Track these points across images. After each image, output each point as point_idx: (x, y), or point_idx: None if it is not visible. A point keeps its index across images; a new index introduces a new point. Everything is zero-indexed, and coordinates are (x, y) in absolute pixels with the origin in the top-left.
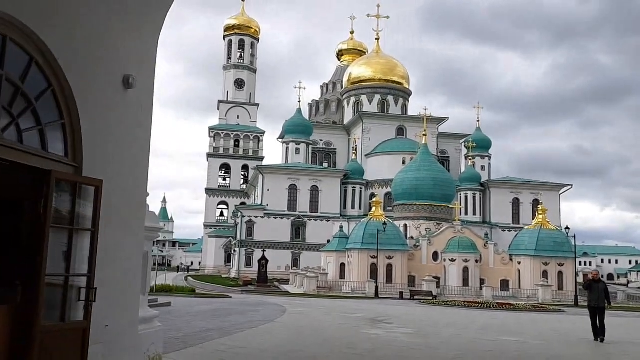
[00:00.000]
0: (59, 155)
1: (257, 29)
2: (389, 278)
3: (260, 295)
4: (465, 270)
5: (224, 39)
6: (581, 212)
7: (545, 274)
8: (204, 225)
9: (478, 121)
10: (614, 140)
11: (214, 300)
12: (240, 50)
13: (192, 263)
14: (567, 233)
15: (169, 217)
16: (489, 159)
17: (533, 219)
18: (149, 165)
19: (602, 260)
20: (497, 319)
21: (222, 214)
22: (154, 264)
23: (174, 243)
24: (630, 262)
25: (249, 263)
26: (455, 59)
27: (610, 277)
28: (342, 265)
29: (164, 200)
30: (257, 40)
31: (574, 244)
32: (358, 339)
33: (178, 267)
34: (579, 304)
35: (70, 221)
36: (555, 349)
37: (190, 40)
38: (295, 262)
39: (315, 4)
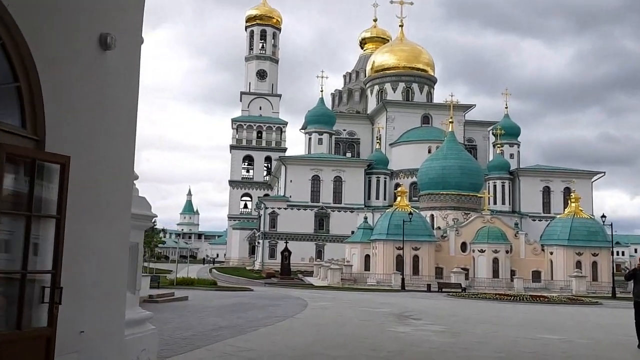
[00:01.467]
0: (12, 125)
1: (279, 19)
2: (416, 270)
3: (283, 287)
4: (495, 261)
5: (245, 29)
6: (611, 201)
7: (578, 265)
8: (228, 217)
9: (506, 107)
10: None
11: (234, 294)
12: (262, 41)
13: (217, 255)
14: (604, 221)
15: (194, 210)
16: (518, 147)
17: (564, 208)
18: (135, 140)
19: (636, 250)
20: (533, 313)
21: (245, 206)
22: (179, 256)
23: (199, 235)
24: None
25: (272, 255)
26: (478, 48)
27: None
28: (367, 256)
29: (189, 193)
30: (279, 30)
31: (610, 233)
32: (383, 338)
33: (203, 259)
34: (617, 295)
35: (28, 206)
36: (605, 351)
37: (213, 35)
38: (319, 254)
39: None
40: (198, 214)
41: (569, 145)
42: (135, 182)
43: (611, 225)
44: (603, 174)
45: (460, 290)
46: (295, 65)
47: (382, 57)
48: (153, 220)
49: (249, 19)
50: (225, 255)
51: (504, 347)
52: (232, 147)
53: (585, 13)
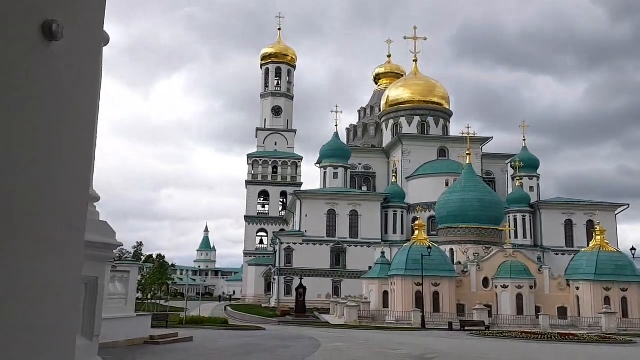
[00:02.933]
0: None
1: (294, 57)
2: (436, 307)
3: (298, 326)
4: (519, 297)
5: (261, 67)
6: (632, 235)
7: (607, 300)
8: (244, 253)
9: (524, 140)
10: None
11: (244, 334)
12: (277, 78)
13: (234, 292)
14: (634, 254)
15: (211, 246)
16: (538, 180)
17: (588, 241)
18: (93, 153)
19: None
20: (564, 355)
21: (261, 242)
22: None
23: (216, 272)
24: None
25: (288, 292)
26: (491, 84)
27: None
28: (385, 293)
29: (206, 230)
30: (294, 67)
31: None
32: None
33: (219, 296)
34: None
35: None
36: None
37: (229, 76)
38: (336, 290)
39: (350, 37)
40: (215, 250)
41: (587, 179)
42: (95, 204)
43: None
44: (627, 206)
45: (483, 328)
46: (310, 102)
47: (397, 92)
48: (117, 250)
49: (265, 57)
50: (241, 292)
51: None
52: (247, 183)
53: (596, 48)
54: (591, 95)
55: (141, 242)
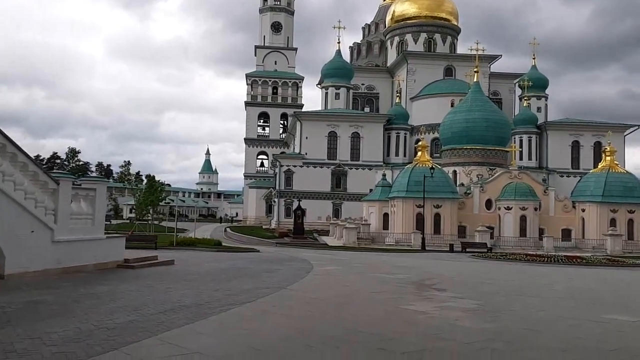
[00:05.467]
0: None
1: None
2: (437, 229)
3: (295, 247)
4: (523, 219)
5: None
6: (634, 158)
7: (613, 222)
8: (244, 176)
9: (534, 58)
10: None
11: (235, 256)
12: None
13: (236, 214)
14: None
15: (213, 169)
16: (546, 100)
17: (594, 163)
18: None
19: None
20: (576, 279)
21: (262, 165)
22: (198, 215)
23: (218, 195)
24: None
25: (288, 214)
26: (496, 6)
27: None
28: (385, 215)
29: (208, 153)
30: None
31: None
32: (397, 324)
33: (221, 218)
34: None
35: None
36: None
37: None
38: (336, 213)
39: None
40: (217, 173)
41: (591, 102)
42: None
43: None
44: (637, 127)
45: (485, 250)
46: (311, 22)
47: (403, 6)
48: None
49: None
50: (242, 214)
51: (565, 338)
52: (247, 104)
53: None
54: (596, 18)
55: (129, 162)
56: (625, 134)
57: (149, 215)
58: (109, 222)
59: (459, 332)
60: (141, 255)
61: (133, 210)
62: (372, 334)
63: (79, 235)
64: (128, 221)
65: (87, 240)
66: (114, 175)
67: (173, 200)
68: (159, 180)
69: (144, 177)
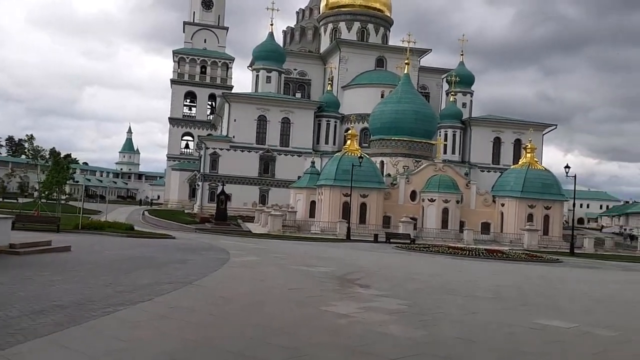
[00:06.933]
0: None
1: None
2: (363, 218)
3: (215, 234)
4: (445, 211)
5: None
6: (546, 157)
7: (530, 217)
8: (167, 157)
9: (462, 54)
10: (574, 88)
11: (144, 242)
12: None
13: (158, 197)
14: (567, 173)
15: (135, 149)
16: (471, 96)
17: (514, 159)
18: None
19: (573, 205)
20: (501, 275)
21: (187, 146)
22: (117, 197)
23: (140, 176)
24: (601, 207)
25: (212, 198)
26: (423, 4)
27: (580, 221)
28: (313, 203)
29: (130, 131)
30: None
31: (573, 185)
32: (314, 330)
33: (141, 200)
34: (575, 252)
35: None
36: None
37: None
38: (263, 199)
39: None
40: (139, 153)
41: (510, 102)
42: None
43: (575, 177)
44: (555, 126)
45: (409, 241)
46: (245, 1)
47: None
48: None
49: None
50: (164, 197)
51: (504, 351)
52: (173, 82)
53: None
54: (517, 22)
55: (32, 135)
56: (543, 132)
57: (56, 194)
58: (15, 201)
59: (385, 342)
60: (29, 241)
61: (36, 190)
62: (283, 348)
63: None
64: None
65: None
66: (25, 151)
67: (79, 181)
68: (68, 157)
69: (49, 154)
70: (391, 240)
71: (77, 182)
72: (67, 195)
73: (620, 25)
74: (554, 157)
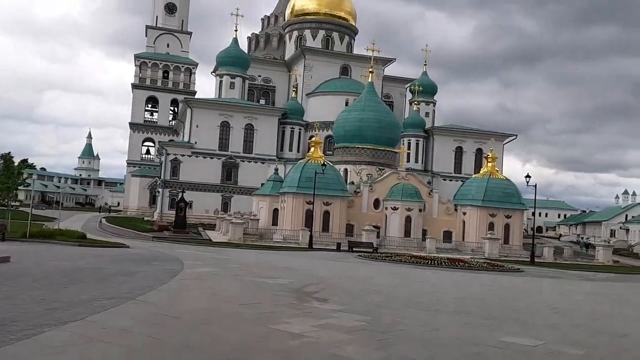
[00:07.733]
0: None
1: None
2: (326, 226)
3: (173, 243)
4: (408, 219)
5: None
6: (506, 167)
7: (491, 226)
8: (127, 163)
9: (425, 64)
10: (532, 100)
11: (97, 252)
12: None
13: (118, 204)
14: (527, 182)
15: (95, 154)
16: (434, 106)
17: (475, 169)
18: None
19: (533, 214)
20: (463, 286)
21: (148, 152)
22: (75, 203)
23: (99, 182)
24: (559, 216)
25: (173, 205)
26: (388, 16)
27: (539, 229)
28: (276, 210)
29: (89, 136)
30: None
31: (534, 195)
32: (261, 352)
33: (100, 207)
34: (535, 261)
35: None
36: None
37: None
38: (226, 206)
39: None
40: (98, 159)
41: (470, 113)
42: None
43: (535, 186)
44: (515, 136)
45: (372, 250)
46: (209, 7)
47: (303, 1)
48: None
49: None
50: (123, 204)
51: None
52: (134, 87)
53: None
54: (478, 35)
55: None
56: (504, 142)
57: (6, 201)
58: None
59: None
60: None
61: None
62: None
63: None
64: None
65: None
66: None
67: (29, 185)
68: (24, 162)
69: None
70: (354, 249)
71: (29, 186)
72: (18, 202)
73: (575, 40)
74: (513, 166)
